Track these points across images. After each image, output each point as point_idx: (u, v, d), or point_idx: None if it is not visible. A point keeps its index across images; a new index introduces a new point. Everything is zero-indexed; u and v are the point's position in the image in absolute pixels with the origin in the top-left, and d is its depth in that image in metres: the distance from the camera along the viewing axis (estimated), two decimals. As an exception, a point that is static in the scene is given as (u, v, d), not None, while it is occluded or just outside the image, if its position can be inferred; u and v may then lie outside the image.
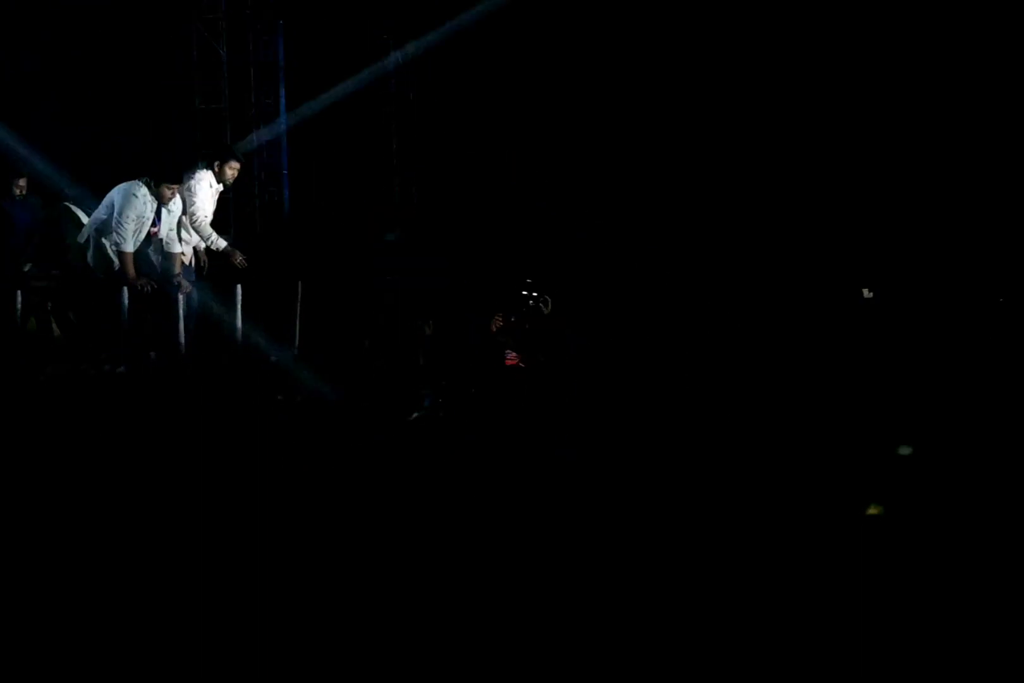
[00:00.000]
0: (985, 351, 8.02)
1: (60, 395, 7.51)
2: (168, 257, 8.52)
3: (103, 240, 8.33)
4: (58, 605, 3.85)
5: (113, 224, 8.25)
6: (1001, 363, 7.64)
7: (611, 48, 11.06)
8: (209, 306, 8.65)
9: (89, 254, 8.40)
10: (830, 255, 10.23)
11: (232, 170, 8.73)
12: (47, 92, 11.11)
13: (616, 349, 8.59)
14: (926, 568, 4.00)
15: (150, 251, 8.47)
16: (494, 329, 9.02)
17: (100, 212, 8.39)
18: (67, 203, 8.86)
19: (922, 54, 10.48)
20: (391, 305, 9.64)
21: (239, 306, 8.60)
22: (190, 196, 8.58)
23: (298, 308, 8.89)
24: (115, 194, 8.34)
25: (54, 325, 8.72)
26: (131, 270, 8.28)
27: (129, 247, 8.28)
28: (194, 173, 8.63)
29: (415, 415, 6.81)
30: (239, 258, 8.76)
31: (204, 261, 8.89)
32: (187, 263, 8.74)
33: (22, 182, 8.99)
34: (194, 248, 8.83)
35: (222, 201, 9.01)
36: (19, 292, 8.44)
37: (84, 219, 8.63)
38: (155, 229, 8.40)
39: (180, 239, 8.58)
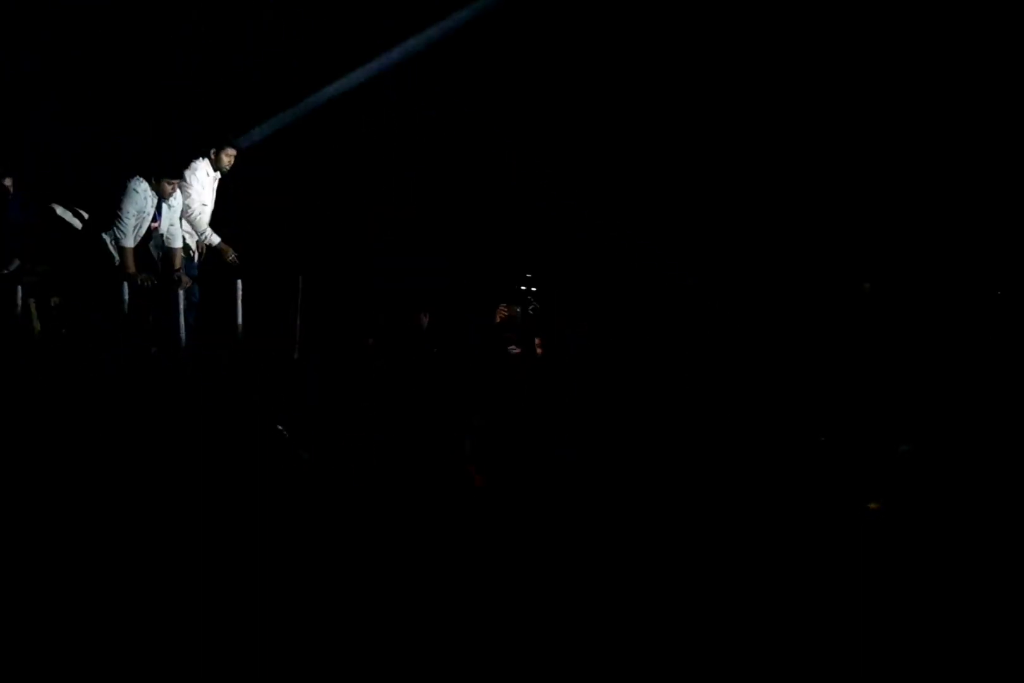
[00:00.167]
0: (984, 344, 8.03)
1: (60, 394, 7.50)
2: (169, 252, 8.51)
3: (103, 235, 8.35)
4: (58, 605, 3.85)
5: (113, 219, 8.27)
6: (1000, 356, 7.65)
7: (611, 48, 11.09)
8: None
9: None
10: (829, 249, 10.25)
11: (228, 157, 8.75)
12: (47, 92, 11.12)
13: (616, 349, 8.59)
14: (926, 568, 4.00)
15: (151, 246, 8.48)
16: (498, 320, 9.01)
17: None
18: (53, 204, 8.86)
19: (922, 54, 10.52)
20: (391, 305, 9.64)
21: (239, 301, 8.60)
22: (186, 187, 8.60)
23: (299, 303, 8.88)
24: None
25: (35, 321, 8.69)
26: (131, 265, 8.28)
27: (129, 242, 8.29)
28: (190, 163, 8.64)
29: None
30: (231, 255, 8.77)
31: (202, 253, 8.89)
32: (193, 257, 8.75)
33: (8, 181, 8.98)
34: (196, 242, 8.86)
35: (222, 195, 9.01)
36: (19, 288, 8.45)
37: (69, 218, 8.63)
38: (156, 224, 8.41)
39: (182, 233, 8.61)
